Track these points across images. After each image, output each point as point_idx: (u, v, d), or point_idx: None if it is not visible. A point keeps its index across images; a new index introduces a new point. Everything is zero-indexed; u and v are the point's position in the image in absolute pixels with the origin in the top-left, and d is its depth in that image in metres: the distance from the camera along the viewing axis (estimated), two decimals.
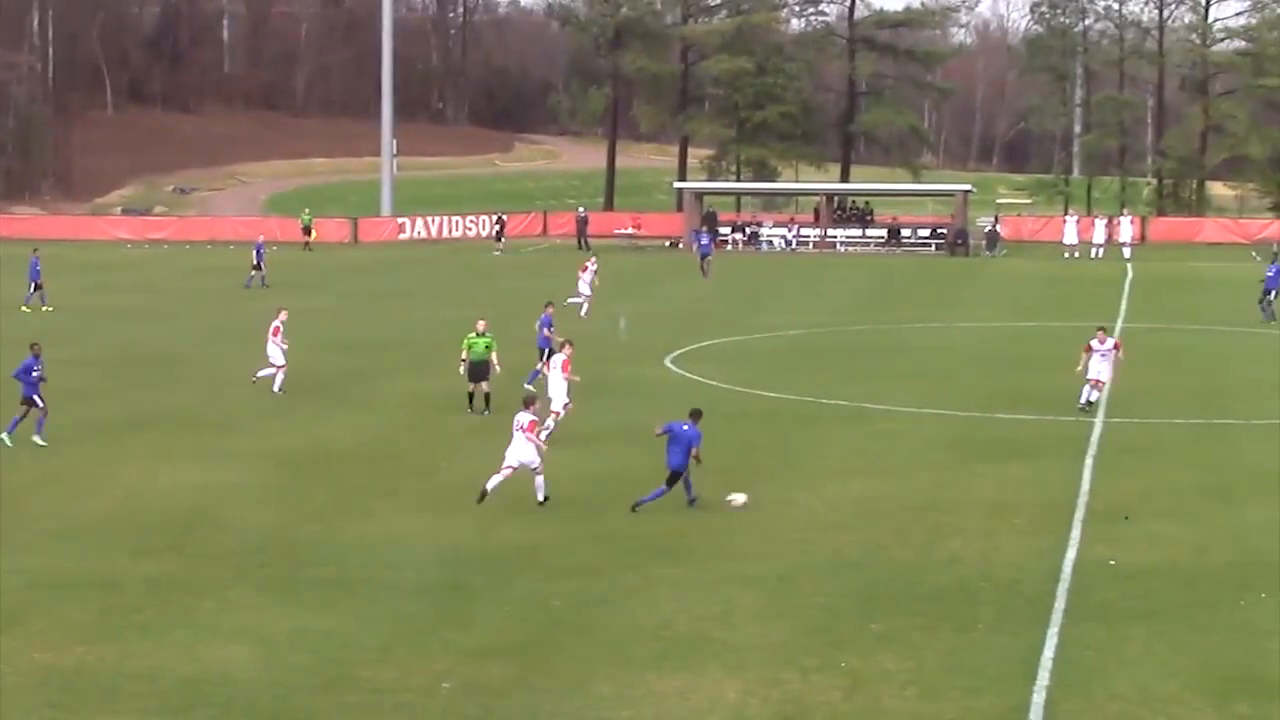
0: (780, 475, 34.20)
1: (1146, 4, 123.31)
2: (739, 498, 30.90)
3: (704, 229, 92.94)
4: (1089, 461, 35.62)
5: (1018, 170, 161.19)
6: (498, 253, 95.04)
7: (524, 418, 31.44)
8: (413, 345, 54.45)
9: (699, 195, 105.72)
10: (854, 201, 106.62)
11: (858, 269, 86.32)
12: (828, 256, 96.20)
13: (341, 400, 43.63)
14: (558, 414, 37.83)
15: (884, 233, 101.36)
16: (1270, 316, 61.40)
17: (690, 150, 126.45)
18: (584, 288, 63.20)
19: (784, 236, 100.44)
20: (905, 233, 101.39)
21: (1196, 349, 54.97)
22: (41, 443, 36.60)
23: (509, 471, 31.08)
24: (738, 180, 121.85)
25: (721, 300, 68.64)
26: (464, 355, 41.13)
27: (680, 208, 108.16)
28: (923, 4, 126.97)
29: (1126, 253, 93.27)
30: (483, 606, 24.84)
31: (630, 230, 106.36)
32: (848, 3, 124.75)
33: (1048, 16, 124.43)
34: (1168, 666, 22.16)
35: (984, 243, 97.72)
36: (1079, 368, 41.80)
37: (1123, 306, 67.49)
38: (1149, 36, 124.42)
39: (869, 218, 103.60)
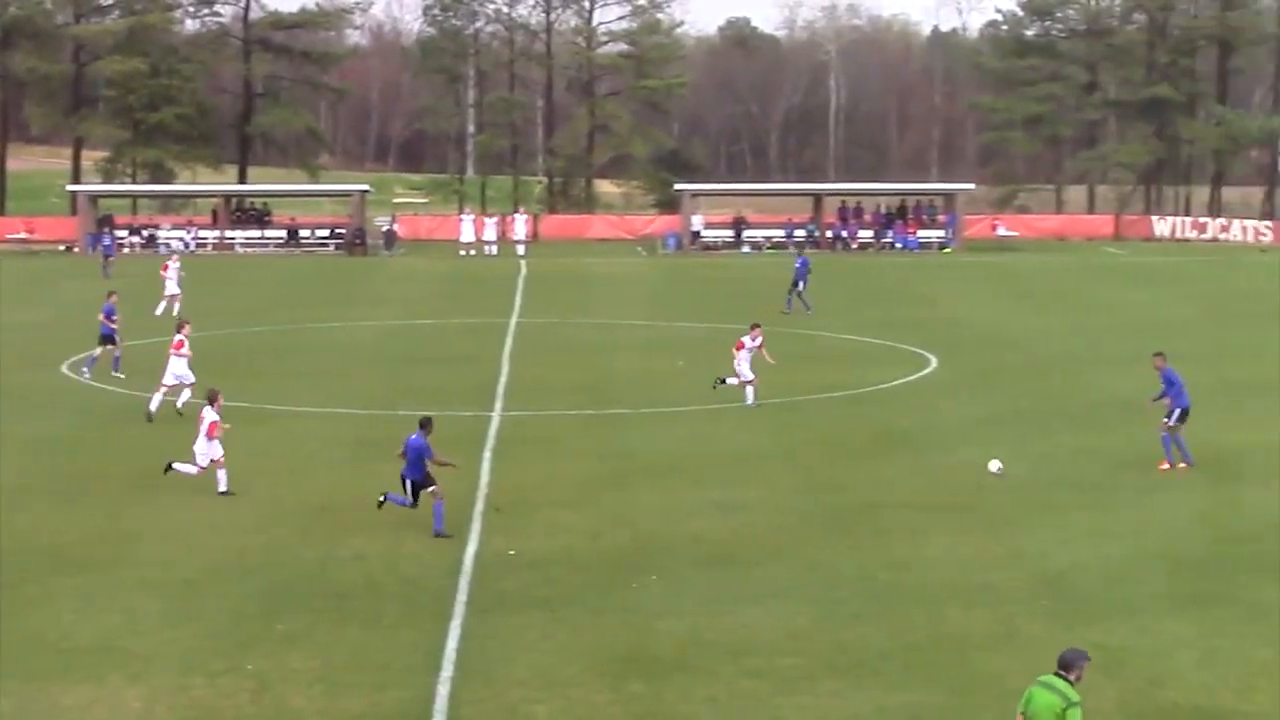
0: (181, 480, 33.82)
1: (535, 7, 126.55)
2: (996, 464, 32.38)
3: (107, 230, 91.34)
4: (488, 455, 36.45)
5: (414, 170, 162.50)
6: None
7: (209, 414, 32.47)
8: None
9: (94, 198, 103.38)
10: (252, 203, 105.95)
11: (257, 270, 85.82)
12: (227, 258, 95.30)
13: None
14: (165, 387, 40.86)
15: (283, 233, 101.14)
16: (791, 307, 64.06)
17: (85, 152, 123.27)
18: (172, 286, 63.20)
19: (182, 239, 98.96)
20: (304, 233, 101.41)
21: (588, 341, 56.74)
22: None
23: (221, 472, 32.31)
24: (134, 182, 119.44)
25: (120, 305, 67.05)
26: None
27: (75, 211, 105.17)
28: (317, 5, 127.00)
29: (520, 250, 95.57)
30: None
31: (23, 235, 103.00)
32: (242, 4, 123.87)
33: (439, 19, 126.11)
34: (566, 650, 22.97)
35: (382, 242, 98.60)
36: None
37: (517, 302, 69.11)
38: (537, 39, 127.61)
39: (267, 219, 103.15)
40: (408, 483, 29.56)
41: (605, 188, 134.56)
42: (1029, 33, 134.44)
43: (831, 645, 23.16)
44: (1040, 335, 58.20)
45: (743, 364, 42.63)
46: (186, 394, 40.94)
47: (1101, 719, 20.36)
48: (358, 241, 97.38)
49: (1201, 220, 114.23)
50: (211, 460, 32.36)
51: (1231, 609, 24.87)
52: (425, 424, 29.62)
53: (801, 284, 64.71)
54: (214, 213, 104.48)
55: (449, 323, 61.67)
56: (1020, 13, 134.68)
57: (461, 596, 25.52)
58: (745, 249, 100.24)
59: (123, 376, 46.79)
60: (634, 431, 39.82)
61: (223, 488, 32.18)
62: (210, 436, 32.28)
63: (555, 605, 25.06)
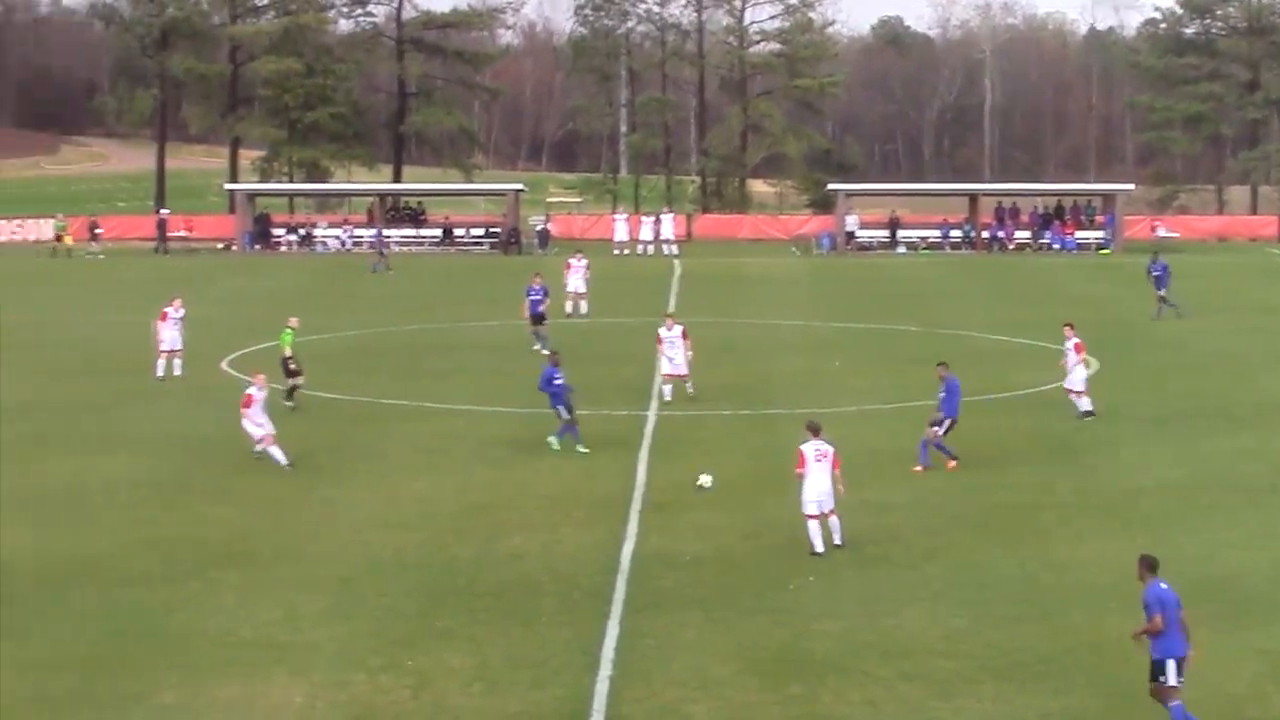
0: (341, 476, 34.18)
1: (686, 7, 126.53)
2: (706, 479, 32.55)
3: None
4: (644, 454, 36.44)
5: (567, 169, 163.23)
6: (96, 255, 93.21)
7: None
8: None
9: (251, 197, 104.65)
10: (407, 202, 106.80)
11: (412, 269, 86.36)
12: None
13: None
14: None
15: (438, 232, 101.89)
16: (1161, 314, 63.18)
17: (242, 151, 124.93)
18: (579, 285, 64.90)
19: (338, 237, 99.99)
20: (459, 232, 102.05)
21: (741, 342, 56.54)
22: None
23: None
24: (290, 181, 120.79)
25: (278, 303, 67.86)
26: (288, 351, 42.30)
27: (233, 210, 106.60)
28: (469, 5, 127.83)
29: (674, 249, 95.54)
30: (41, 619, 24.29)
31: (183, 233, 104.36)
32: (395, 4, 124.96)
33: (591, 19, 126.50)
34: (722, 651, 22.90)
35: (536, 241, 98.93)
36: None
37: (672, 302, 68.99)
38: (689, 39, 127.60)
39: (422, 218, 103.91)
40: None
41: (759, 187, 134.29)
42: (1188, 31, 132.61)
43: (988, 647, 22.91)
44: (1197, 336, 57.32)
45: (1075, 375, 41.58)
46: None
47: None
48: (512, 241, 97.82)
49: None
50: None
51: None
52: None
53: (1164, 289, 64.09)
54: (369, 211, 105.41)
55: (602, 322, 61.69)
56: (1179, 11, 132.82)
57: (619, 595, 25.53)
58: (901, 249, 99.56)
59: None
60: (788, 432, 39.53)
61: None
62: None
63: (711, 605, 25.00)
